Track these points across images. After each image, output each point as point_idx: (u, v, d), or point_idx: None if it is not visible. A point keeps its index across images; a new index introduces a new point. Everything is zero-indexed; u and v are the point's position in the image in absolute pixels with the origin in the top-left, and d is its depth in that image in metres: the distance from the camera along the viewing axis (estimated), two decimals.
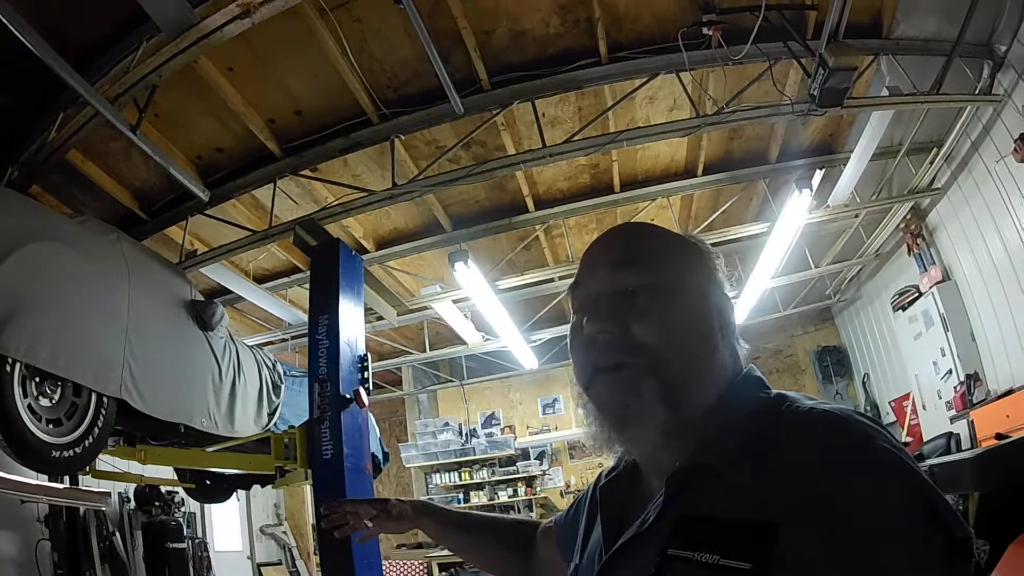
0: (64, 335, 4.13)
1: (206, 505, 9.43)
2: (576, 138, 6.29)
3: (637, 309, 1.13)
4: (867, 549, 0.86)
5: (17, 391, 3.86)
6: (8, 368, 3.82)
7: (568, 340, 1.25)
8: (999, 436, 5.23)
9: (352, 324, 6.22)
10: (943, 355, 8.31)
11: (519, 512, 13.08)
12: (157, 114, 5.64)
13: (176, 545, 8.35)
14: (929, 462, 3.30)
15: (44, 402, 4.08)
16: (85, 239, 4.68)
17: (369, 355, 6.28)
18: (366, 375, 6.10)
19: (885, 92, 6.20)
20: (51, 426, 4.09)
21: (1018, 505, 2.02)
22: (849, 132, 7.69)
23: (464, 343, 10.94)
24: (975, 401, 7.55)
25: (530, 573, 1.73)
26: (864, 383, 11.68)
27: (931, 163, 7.63)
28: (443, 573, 11.34)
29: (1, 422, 3.77)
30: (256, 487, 7.93)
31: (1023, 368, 7.01)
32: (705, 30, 5.73)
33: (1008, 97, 6.30)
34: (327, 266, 6.37)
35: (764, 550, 0.89)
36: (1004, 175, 6.69)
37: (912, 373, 9.31)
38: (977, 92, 6.44)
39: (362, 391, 5.90)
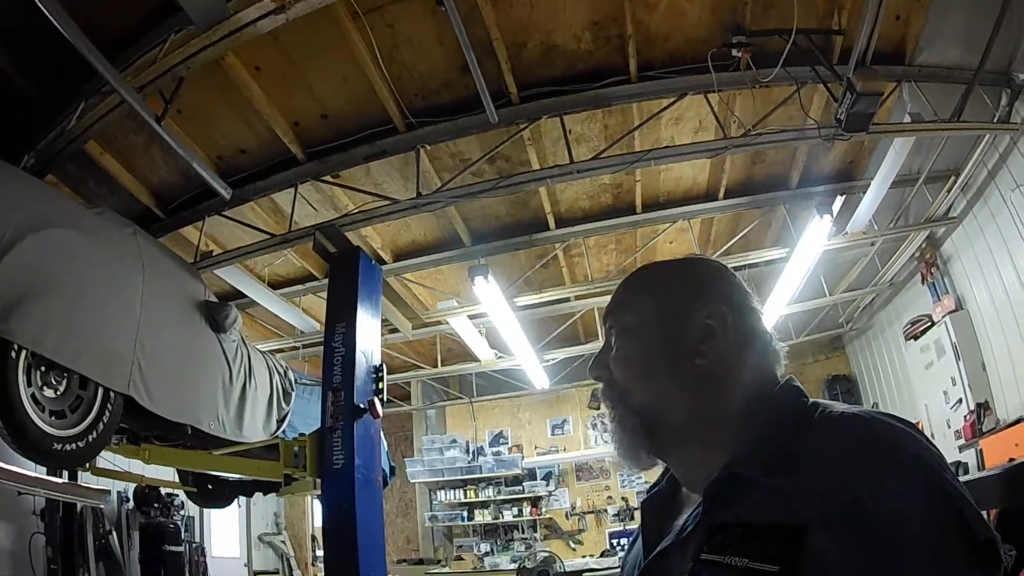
0: (73, 325, 4.03)
1: (205, 510, 9.34)
2: (603, 155, 6.26)
3: (614, 352, 1.30)
4: (891, 552, 0.89)
5: (21, 379, 3.75)
6: (13, 355, 3.71)
7: None
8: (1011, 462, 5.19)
9: (369, 334, 6.13)
10: (953, 384, 8.29)
11: (523, 532, 13.04)
12: (180, 110, 5.58)
13: (173, 548, 8.28)
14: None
15: (48, 392, 3.97)
16: (102, 230, 4.58)
17: (385, 366, 6.21)
18: (381, 386, 5.99)
19: (907, 119, 6.22)
20: (54, 418, 3.98)
21: None
22: (869, 160, 7.70)
23: (476, 360, 10.91)
24: (984, 430, 7.54)
25: None
26: None
27: (948, 192, 7.63)
28: None
29: (2, 409, 3.66)
30: (258, 494, 7.84)
31: None
32: (734, 52, 5.77)
33: None
34: (346, 274, 6.30)
35: (792, 553, 0.93)
36: (1020, 204, 6.70)
37: (922, 402, 9.28)
38: (996, 120, 6.44)
39: (377, 402, 5.82)
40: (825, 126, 5.93)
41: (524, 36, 5.62)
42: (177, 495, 8.47)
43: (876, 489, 0.93)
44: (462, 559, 12.91)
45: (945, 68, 6.28)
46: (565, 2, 5.40)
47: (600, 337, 10.14)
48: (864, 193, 7.45)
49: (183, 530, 8.69)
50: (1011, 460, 5.43)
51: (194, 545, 9.10)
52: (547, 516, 13.11)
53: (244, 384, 5.84)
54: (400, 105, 5.99)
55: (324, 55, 5.54)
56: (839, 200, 7.40)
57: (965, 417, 7.96)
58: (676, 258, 1.42)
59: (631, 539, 1.43)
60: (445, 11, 4.55)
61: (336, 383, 5.77)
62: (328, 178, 6.60)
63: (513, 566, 10.77)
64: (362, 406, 5.68)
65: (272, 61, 5.50)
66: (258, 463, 5.91)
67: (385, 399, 6.03)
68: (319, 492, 5.80)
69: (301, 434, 6.14)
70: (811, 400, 1.17)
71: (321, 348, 6.13)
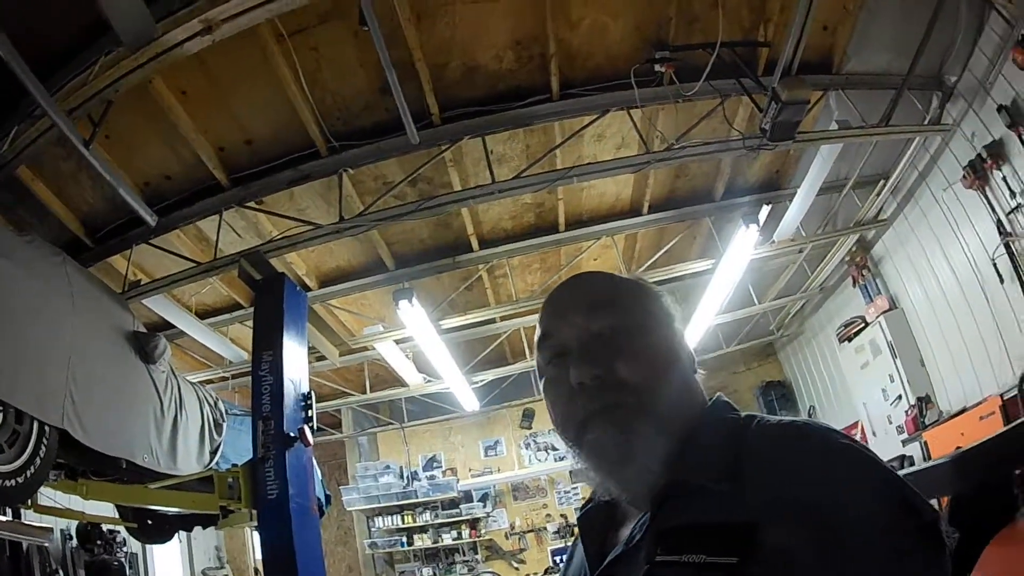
0: (7, 357, 3.89)
1: (147, 546, 9.18)
2: (525, 174, 6.30)
3: (618, 349, 1.16)
4: (842, 539, 0.91)
5: None
6: None
7: (544, 392, 1.26)
8: None
9: (296, 361, 6.06)
10: (892, 381, 8.48)
11: (464, 554, 12.92)
12: (108, 135, 5.47)
13: None
14: (903, 472, 3.33)
15: None
16: (32, 259, 4.45)
17: (313, 393, 6.14)
18: (310, 413, 5.95)
19: (834, 126, 6.33)
20: None
21: (993, 503, 2.05)
22: (796, 169, 7.85)
23: (405, 384, 10.83)
24: (927, 423, 7.70)
25: None
26: (810, 416, 11.67)
27: (877, 195, 7.78)
28: None
29: None
30: (198, 528, 7.66)
31: (975, 387, 7.15)
32: (657, 67, 5.84)
33: (957, 126, 6.48)
34: (272, 301, 6.20)
35: (747, 545, 0.94)
36: (952, 202, 6.90)
37: (860, 402, 9.47)
38: (927, 123, 6.60)
39: (307, 429, 5.75)
40: (750, 137, 6.02)
41: (446, 56, 5.64)
42: (119, 532, 8.30)
43: (822, 483, 0.96)
44: None
45: (873, 74, 6.45)
46: (488, 22, 5.44)
47: (530, 356, 10.10)
48: (791, 201, 7.58)
49: (127, 567, 8.56)
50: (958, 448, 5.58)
51: None
52: (487, 537, 13.02)
53: (176, 416, 5.69)
54: (323, 129, 5.95)
55: (249, 79, 5.50)
56: (765, 209, 7.48)
57: (906, 412, 8.14)
58: (629, 276, 1.41)
59: (567, 555, 1.45)
60: (367, 32, 4.50)
61: (266, 412, 5.69)
62: (252, 204, 6.50)
63: None
64: (292, 434, 5.60)
65: (198, 85, 5.44)
66: (194, 496, 5.80)
67: (315, 427, 5.96)
68: (256, 523, 5.69)
69: (235, 465, 6.03)
70: (744, 413, 1.20)
71: (250, 378, 6.02)
